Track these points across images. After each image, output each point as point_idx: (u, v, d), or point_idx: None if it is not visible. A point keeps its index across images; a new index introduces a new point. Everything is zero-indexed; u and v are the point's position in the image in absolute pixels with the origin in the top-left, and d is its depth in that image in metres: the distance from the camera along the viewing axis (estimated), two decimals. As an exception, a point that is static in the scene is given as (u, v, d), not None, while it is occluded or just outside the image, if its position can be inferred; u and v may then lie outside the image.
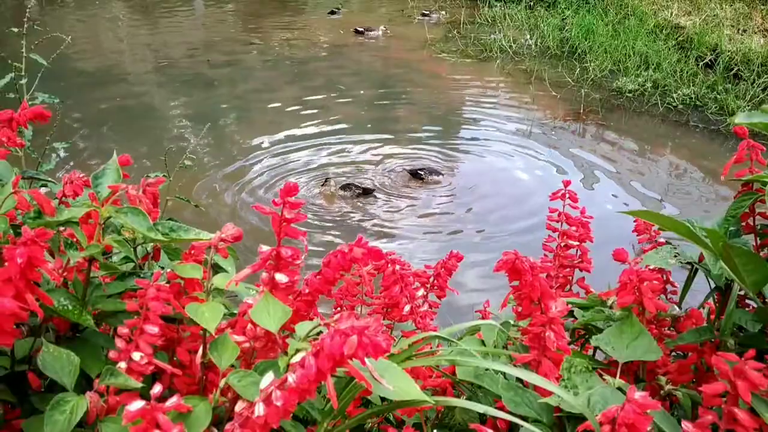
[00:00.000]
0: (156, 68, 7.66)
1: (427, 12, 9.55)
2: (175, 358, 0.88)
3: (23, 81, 2.64)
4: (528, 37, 8.20)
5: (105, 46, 8.39)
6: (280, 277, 0.80)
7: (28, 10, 2.96)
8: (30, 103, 2.57)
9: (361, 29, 8.68)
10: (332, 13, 9.87)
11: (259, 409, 0.66)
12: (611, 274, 1.15)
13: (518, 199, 4.89)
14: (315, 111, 6.39)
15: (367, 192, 4.87)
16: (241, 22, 9.63)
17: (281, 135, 5.88)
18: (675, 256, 1.03)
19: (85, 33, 8.87)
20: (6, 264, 0.69)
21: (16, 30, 2.85)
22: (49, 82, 3.08)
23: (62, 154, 4.89)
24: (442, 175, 5.13)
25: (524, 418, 0.79)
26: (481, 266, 3.97)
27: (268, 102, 6.63)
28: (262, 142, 5.74)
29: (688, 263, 1.07)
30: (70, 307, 0.81)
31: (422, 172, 5.11)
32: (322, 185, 4.89)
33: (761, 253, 1.10)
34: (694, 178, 5.19)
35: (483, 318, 1.39)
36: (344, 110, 6.44)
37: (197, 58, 7.90)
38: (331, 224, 4.52)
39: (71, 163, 5.16)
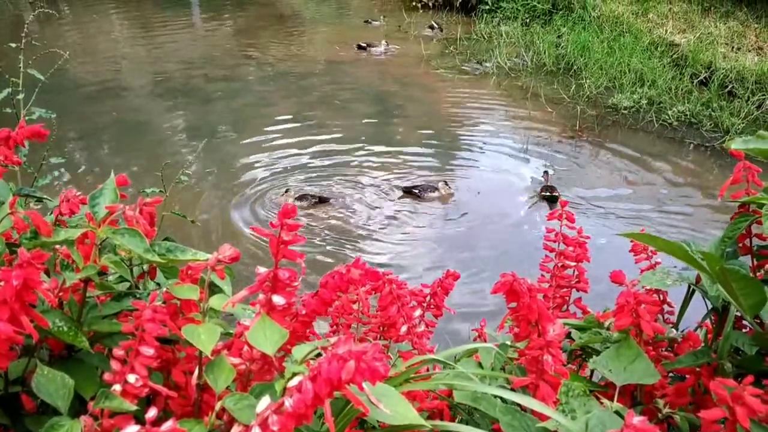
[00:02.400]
0: (153, 82, 7.68)
1: (435, 25, 9.59)
2: (170, 380, 0.87)
3: (20, 96, 2.64)
4: (524, 53, 8.25)
5: (103, 60, 8.41)
6: (278, 299, 0.79)
7: (26, 24, 2.96)
8: (27, 118, 2.57)
9: (363, 45, 8.71)
10: (368, 22, 9.92)
11: (256, 434, 0.65)
12: (608, 293, 1.15)
13: (515, 215, 4.90)
14: (312, 126, 6.41)
15: (323, 200, 4.92)
16: (238, 37, 9.66)
17: (278, 150, 5.89)
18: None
19: (83, 47, 8.89)
20: (2, 286, 0.69)
21: (13, 45, 2.85)
22: (46, 96, 3.07)
23: (58, 169, 4.87)
24: (438, 190, 5.12)
25: (522, 442, 0.78)
26: (477, 282, 3.97)
27: (265, 117, 6.64)
28: (259, 157, 5.75)
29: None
30: (65, 329, 0.81)
31: (417, 189, 5.10)
32: (282, 195, 4.95)
33: (758, 274, 1.10)
34: (689, 195, 5.20)
35: (479, 336, 1.38)
36: (341, 125, 6.45)
37: (194, 73, 7.92)
38: (320, 242, 4.52)
39: (68, 178, 5.16)
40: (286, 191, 4.97)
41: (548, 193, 5.05)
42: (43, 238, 0.81)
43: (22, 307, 0.70)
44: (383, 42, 8.73)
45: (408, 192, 5.11)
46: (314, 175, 5.45)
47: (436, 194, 5.09)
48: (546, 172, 5.33)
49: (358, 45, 8.74)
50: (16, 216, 0.83)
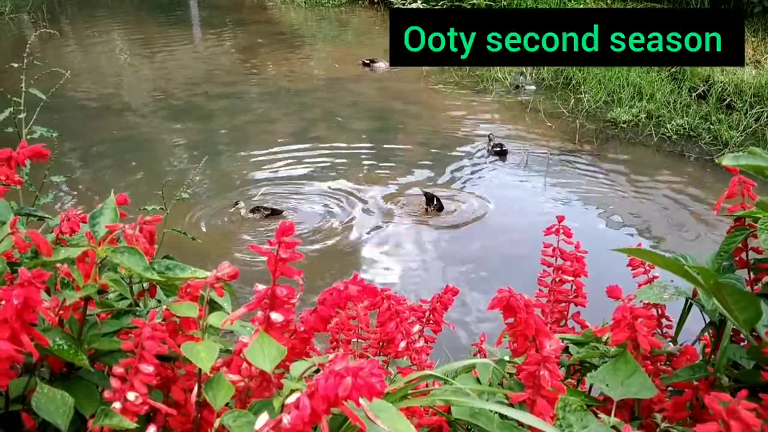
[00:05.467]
0: (154, 100, 7.72)
1: None
2: (170, 397, 0.88)
3: (22, 115, 2.66)
4: (523, 68, 8.29)
5: (104, 78, 8.46)
6: (276, 317, 0.80)
7: (28, 44, 2.99)
8: (28, 137, 2.59)
9: (368, 61, 8.77)
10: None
11: (254, 451, 0.65)
12: (607, 307, 1.16)
13: (514, 229, 4.90)
14: (313, 142, 6.43)
15: (275, 212, 4.99)
16: (239, 54, 9.72)
17: (279, 166, 5.91)
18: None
19: (85, 65, 8.95)
20: (2, 305, 0.70)
21: (15, 65, 2.88)
22: (47, 115, 3.10)
23: (60, 187, 4.90)
24: (431, 202, 5.13)
25: (520, 458, 0.78)
26: (475, 297, 3.97)
27: (266, 133, 6.67)
28: (260, 174, 5.77)
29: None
30: (66, 347, 0.81)
31: (430, 206, 5.09)
32: (232, 208, 5.01)
33: (755, 288, 1.11)
34: (688, 208, 5.21)
35: (479, 352, 1.39)
36: (342, 141, 6.48)
37: (195, 90, 7.97)
38: (317, 256, 4.52)
39: (69, 196, 5.18)
40: (236, 204, 5.04)
41: (499, 149, 6.12)
42: (43, 257, 0.82)
43: (22, 326, 0.70)
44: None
45: (429, 199, 5.10)
46: (316, 190, 5.47)
47: (432, 207, 5.09)
48: (490, 135, 6.31)
49: (363, 61, 8.80)
50: (17, 236, 0.84)
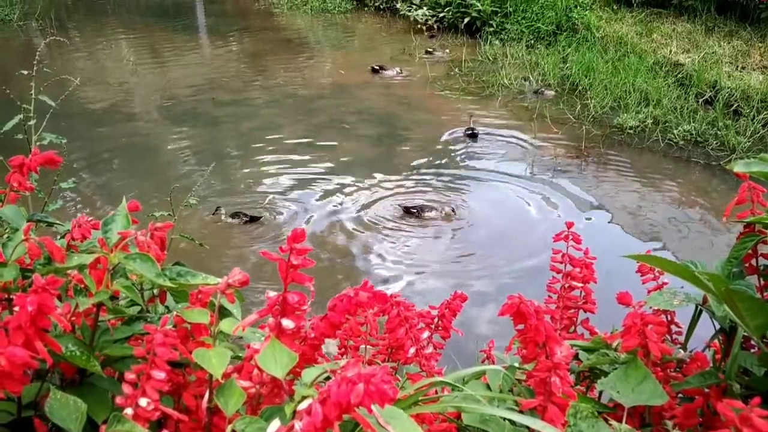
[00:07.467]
0: (161, 107, 7.75)
1: (431, 50, 9.67)
2: (181, 403, 0.88)
3: (32, 122, 2.68)
4: (529, 74, 8.29)
5: (111, 85, 8.50)
6: (287, 323, 0.80)
7: (38, 52, 3.01)
8: (38, 143, 2.61)
9: (377, 67, 8.79)
10: (429, 53, 9.60)
11: (266, 457, 0.66)
12: (615, 313, 1.15)
13: (519, 236, 4.90)
14: (318, 148, 6.45)
15: (254, 219, 5.04)
16: (246, 61, 9.76)
17: (285, 173, 5.92)
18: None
19: (92, 72, 9.00)
20: (17, 311, 0.70)
21: (25, 72, 2.91)
22: (56, 122, 3.12)
23: (69, 192, 4.93)
24: (435, 210, 5.13)
25: (531, 464, 0.78)
26: (480, 305, 3.97)
27: (273, 140, 6.68)
28: (267, 180, 5.79)
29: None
30: (78, 353, 0.82)
31: (415, 209, 5.12)
32: (213, 214, 5.07)
33: (765, 294, 1.10)
34: (696, 214, 5.20)
35: (487, 358, 1.39)
36: (347, 147, 6.49)
37: (202, 97, 8.00)
38: (323, 264, 4.53)
39: (78, 202, 5.20)
40: (217, 209, 5.09)
41: (470, 132, 6.67)
42: (56, 264, 0.83)
43: (36, 332, 0.71)
44: (396, 68, 8.79)
45: (407, 211, 5.13)
46: (319, 195, 5.48)
47: (433, 213, 5.09)
48: (470, 114, 6.85)
49: (372, 68, 8.80)
50: (31, 242, 0.85)
